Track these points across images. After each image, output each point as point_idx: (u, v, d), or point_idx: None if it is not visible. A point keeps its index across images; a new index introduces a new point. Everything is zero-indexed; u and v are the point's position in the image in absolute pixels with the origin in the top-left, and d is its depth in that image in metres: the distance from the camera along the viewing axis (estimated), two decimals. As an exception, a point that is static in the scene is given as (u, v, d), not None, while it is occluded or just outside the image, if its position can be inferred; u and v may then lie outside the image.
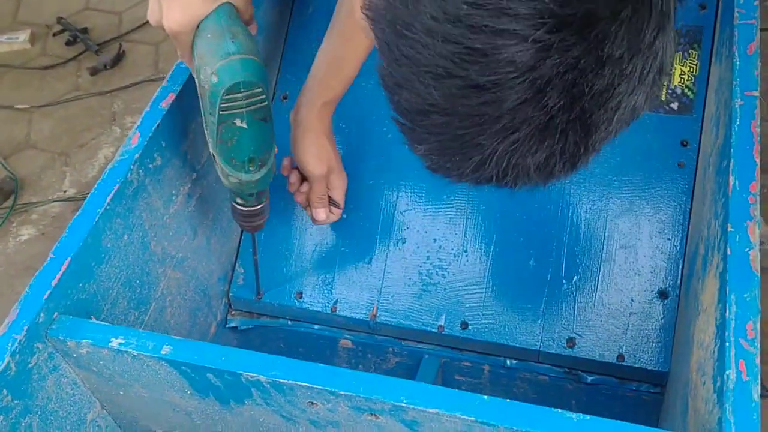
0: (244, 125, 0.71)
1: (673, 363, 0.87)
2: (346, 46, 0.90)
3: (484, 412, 0.59)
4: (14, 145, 2.18)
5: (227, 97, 0.69)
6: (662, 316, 0.90)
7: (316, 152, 0.91)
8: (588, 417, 0.58)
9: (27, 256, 1.82)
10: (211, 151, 0.75)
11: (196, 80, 0.72)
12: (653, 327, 0.90)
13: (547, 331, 0.93)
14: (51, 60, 2.44)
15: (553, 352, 0.93)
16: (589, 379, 0.93)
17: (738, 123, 0.72)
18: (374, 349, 1.01)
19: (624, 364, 0.90)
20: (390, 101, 0.52)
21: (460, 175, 0.52)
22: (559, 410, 0.58)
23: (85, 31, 2.50)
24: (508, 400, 0.60)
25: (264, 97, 0.71)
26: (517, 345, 0.94)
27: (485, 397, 0.60)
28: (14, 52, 2.48)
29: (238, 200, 0.83)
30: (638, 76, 0.48)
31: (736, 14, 0.82)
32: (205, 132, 0.75)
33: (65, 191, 2.02)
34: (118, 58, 2.39)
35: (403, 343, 1.00)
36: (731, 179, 0.68)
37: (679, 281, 0.91)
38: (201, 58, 0.70)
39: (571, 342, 0.92)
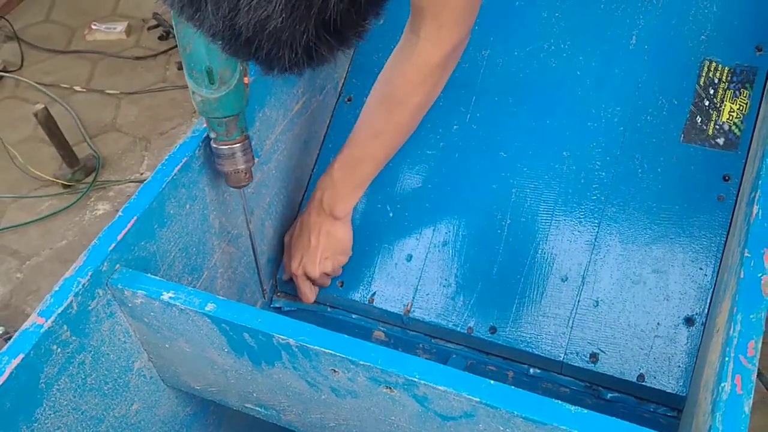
0: None
1: (691, 388, 0.89)
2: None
3: (488, 395, 0.64)
4: (101, 126, 2.33)
5: None
6: (686, 342, 0.93)
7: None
8: (585, 411, 0.62)
9: (100, 229, 1.92)
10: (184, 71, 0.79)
11: None
12: (676, 351, 0.93)
13: (572, 345, 0.96)
14: (143, 52, 2.60)
15: (576, 365, 0.96)
16: (609, 396, 0.96)
17: (770, 157, 0.75)
18: (405, 344, 1.06)
19: (644, 384, 0.93)
20: None
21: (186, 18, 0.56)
22: (558, 401, 0.62)
23: (177, 27, 2.65)
24: (512, 387, 0.64)
25: None
26: (542, 355, 0.97)
27: (491, 381, 0.64)
28: (110, 41, 2.66)
29: (211, 134, 0.84)
30: None
31: (785, 56, 0.85)
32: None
33: (142, 173, 2.15)
34: (205, 56, 2.52)
35: (432, 340, 1.04)
36: (755, 209, 0.71)
37: (706, 310, 0.93)
38: None
39: (594, 357, 0.95)
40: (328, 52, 0.56)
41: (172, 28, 2.75)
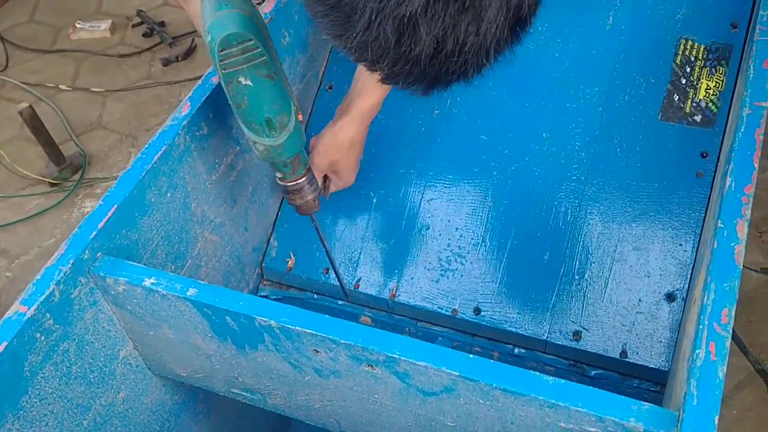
0: (249, 82, 0.74)
1: (673, 362, 0.90)
2: None
3: (467, 369, 0.64)
4: (87, 124, 2.32)
5: (223, 53, 0.72)
6: (668, 317, 0.94)
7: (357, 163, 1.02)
8: (562, 381, 0.63)
9: (88, 226, 1.94)
10: (240, 125, 0.80)
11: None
12: (658, 327, 0.94)
13: (555, 323, 0.97)
14: (128, 49, 2.59)
15: (560, 343, 0.97)
16: (593, 373, 0.97)
17: (743, 130, 0.76)
18: (391, 328, 1.06)
19: (626, 360, 0.94)
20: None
21: (374, 57, 0.53)
22: (536, 373, 0.63)
23: (162, 24, 2.65)
24: (491, 361, 0.65)
25: (261, 50, 0.73)
26: (526, 334, 0.98)
27: (470, 355, 0.65)
28: (95, 40, 2.65)
29: (278, 174, 0.86)
30: None
31: (757, 31, 0.86)
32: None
33: (128, 170, 2.15)
34: (190, 52, 2.53)
35: (418, 324, 1.05)
36: (728, 180, 0.72)
37: (687, 285, 0.94)
38: (203, 23, 0.74)
39: (577, 335, 0.96)
40: (507, 51, 0.55)
41: (156, 26, 2.75)
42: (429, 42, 0.51)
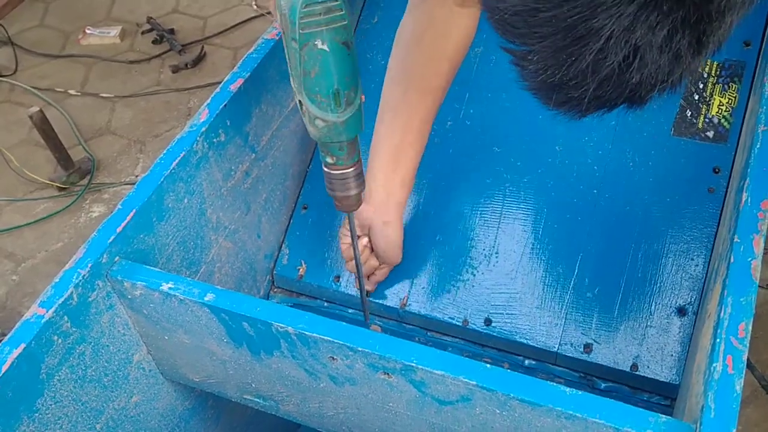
0: (326, 47, 0.69)
1: (684, 376, 0.91)
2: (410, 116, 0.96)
3: (484, 379, 0.65)
4: (96, 129, 2.33)
5: (305, 10, 0.67)
6: (679, 331, 0.94)
7: (400, 244, 1.00)
8: (579, 392, 0.63)
9: (95, 231, 1.95)
10: (297, 98, 0.74)
11: (278, 13, 0.71)
12: (669, 341, 0.94)
13: (566, 336, 0.97)
14: (137, 55, 2.61)
15: (570, 355, 0.97)
16: (603, 386, 0.97)
17: (758, 146, 0.77)
18: (401, 337, 1.05)
19: (637, 373, 0.94)
20: (495, 20, 0.50)
21: (581, 82, 0.49)
22: (554, 384, 0.64)
23: (171, 31, 2.67)
24: (508, 371, 0.65)
25: (343, 14, 0.69)
26: (537, 346, 0.98)
27: (488, 365, 0.66)
28: (105, 46, 2.67)
29: (329, 159, 0.79)
30: None
31: (772, 49, 0.87)
32: (291, 74, 0.73)
33: (137, 176, 2.16)
34: (199, 59, 2.54)
35: (428, 333, 1.05)
36: (744, 195, 0.73)
37: (698, 300, 0.94)
38: None
39: (588, 348, 0.96)
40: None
41: (166, 33, 2.76)
42: (652, 71, 0.48)
